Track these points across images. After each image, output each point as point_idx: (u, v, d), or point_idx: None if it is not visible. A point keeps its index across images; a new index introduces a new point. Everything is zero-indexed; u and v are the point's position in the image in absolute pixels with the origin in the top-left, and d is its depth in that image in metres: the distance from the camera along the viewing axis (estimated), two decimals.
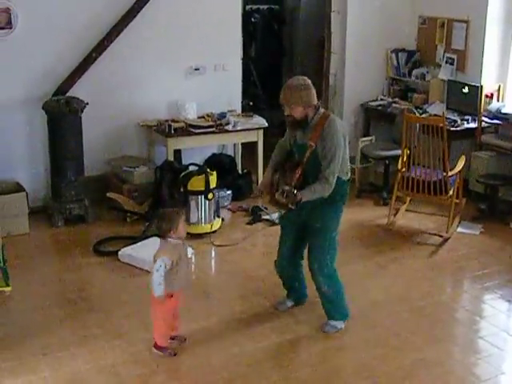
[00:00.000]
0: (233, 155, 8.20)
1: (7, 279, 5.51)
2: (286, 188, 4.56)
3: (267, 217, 7.07)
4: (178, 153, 7.49)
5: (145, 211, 7.07)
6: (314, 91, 4.73)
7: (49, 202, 7.11)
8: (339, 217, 4.96)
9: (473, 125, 7.65)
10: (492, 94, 7.78)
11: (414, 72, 8.64)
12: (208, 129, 7.38)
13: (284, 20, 10.95)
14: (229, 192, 7.55)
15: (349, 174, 4.89)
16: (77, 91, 7.05)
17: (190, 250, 6.17)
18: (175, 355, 4.65)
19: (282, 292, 5.40)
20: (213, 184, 6.73)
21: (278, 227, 5.38)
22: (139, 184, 7.20)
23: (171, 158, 7.24)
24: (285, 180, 4.77)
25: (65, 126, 6.77)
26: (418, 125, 6.89)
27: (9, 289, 5.50)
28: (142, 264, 5.97)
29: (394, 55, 8.80)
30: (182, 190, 6.70)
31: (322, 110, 4.77)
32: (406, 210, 7.36)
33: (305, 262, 5.10)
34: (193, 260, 6.19)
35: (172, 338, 4.76)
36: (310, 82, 4.73)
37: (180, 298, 4.69)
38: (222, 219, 7.00)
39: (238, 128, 7.51)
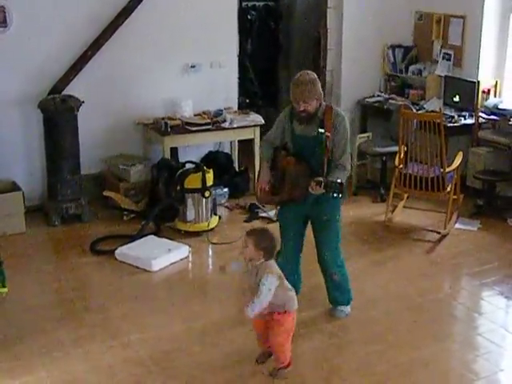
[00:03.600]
0: (229, 153, 8.19)
1: (3, 281, 5.48)
2: (320, 178, 4.59)
3: (264, 214, 7.05)
4: (174, 151, 7.47)
5: (141, 209, 7.05)
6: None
7: (45, 201, 7.09)
8: (340, 207, 5.07)
9: (470, 121, 7.64)
10: (489, 90, 7.77)
11: (411, 68, 8.63)
12: (204, 126, 7.36)
13: (280, 17, 10.91)
14: (226, 189, 7.53)
15: (350, 164, 5.00)
16: (72, 89, 7.03)
17: (186, 248, 6.18)
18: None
19: None
20: (209, 182, 6.71)
21: (275, 225, 5.37)
22: (136, 182, 7.19)
23: (168, 156, 7.22)
24: (295, 173, 4.83)
25: (61, 125, 6.75)
26: (415, 121, 6.89)
27: (5, 290, 5.46)
28: (138, 263, 5.96)
29: (390, 51, 8.79)
30: (178, 187, 6.67)
31: (324, 103, 4.92)
32: (404, 207, 7.35)
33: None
34: (190, 258, 6.18)
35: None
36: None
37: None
38: (219, 217, 6.98)
39: (235, 125, 7.48)
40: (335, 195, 4.57)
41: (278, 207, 5.25)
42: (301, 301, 5.30)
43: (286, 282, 4.27)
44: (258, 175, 5.18)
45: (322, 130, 4.79)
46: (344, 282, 5.18)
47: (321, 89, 4.85)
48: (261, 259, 4.17)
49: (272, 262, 4.22)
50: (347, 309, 5.23)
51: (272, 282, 4.11)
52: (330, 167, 4.84)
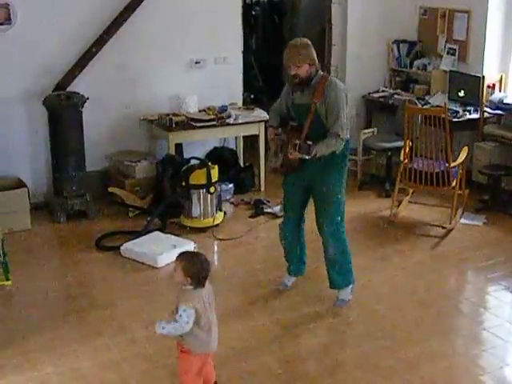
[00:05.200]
0: (234, 148, 8.18)
1: (7, 273, 5.51)
2: (298, 141, 4.66)
3: (269, 210, 7.05)
4: (179, 147, 7.47)
5: (147, 206, 7.06)
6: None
7: (50, 197, 7.10)
8: (343, 179, 5.08)
9: (475, 115, 7.62)
10: (494, 85, 7.74)
11: (416, 63, 8.61)
12: (209, 122, 7.35)
13: (285, 12, 10.91)
14: (231, 185, 7.53)
15: (348, 134, 4.96)
16: (77, 86, 7.03)
17: (191, 244, 6.18)
18: None
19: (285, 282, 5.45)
20: (214, 177, 6.71)
21: (280, 220, 5.39)
22: (141, 178, 7.19)
23: (173, 152, 7.22)
24: (290, 139, 4.86)
25: (65, 121, 6.76)
26: (419, 116, 6.88)
27: (9, 283, 5.49)
28: (144, 259, 5.97)
29: (395, 46, 8.77)
30: (183, 183, 6.67)
31: (321, 72, 4.95)
32: (409, 202, 7.34)
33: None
34: None
35: None
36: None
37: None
38: (225, 213, 6.98)
39: (240, 121, 7.48)
40: (306, 157, 4.66)
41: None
42: (306, 296, 5.36)
43: (204, 322, 3.75)
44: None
45: (314, 100, 4.83)
46: (342, 261, 5.16)
47: (315, 55, 4.86)
48: (187, 286, 3.74)
49: (197, 293, 3.73)
50: (346, 295, 5.22)
51: (190, 315, 3.67)
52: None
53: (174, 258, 3.84)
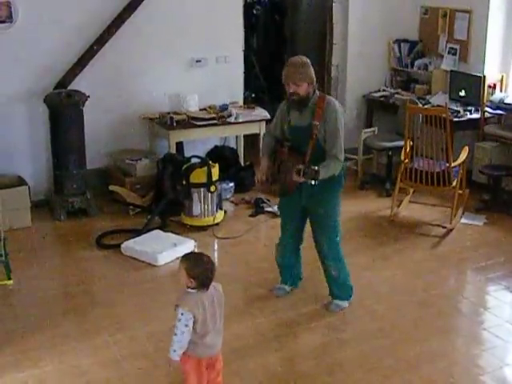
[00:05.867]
0: (235, 147, 8.18)
1: (9, 272, 5.51)
2: (301, 166, 4.58)
3: (270, 209, 7.05)
4: (180, 145, 7.48)
5: (147, 204, 7.06)
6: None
7: (51, 195, 7.10)
8: (340, 200, 5.04)
9: (476, 115, 7.63)
10: (495, 85, 7.75)
11: (417, 62, 8.61)
12: (210, 121, 7.36)
13: (286, 11, 10.91)
14: (231, 184, 7.53)
15: (343, 155, 4.91)
16: (78, 84, 7.04)
17: (192, 243, 6.18)
18: None
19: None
20: (215, 176, 6.72)
21: (277, 241, 5.38)
22: (141, 177, 7.19)
23: (173, 151, 7.23)
24: (288, 163, 4.82)
25: (66, 120, 6.77)
26: (420, 116, 6.89)
27: (10, 282, 5.50)
28: (144, 257, 5.97)
29: (396, 46, 8.77)
30: (184, 182, 6.67)
31: (317, 92, 4.89)
32: (410, 202, 7.34)
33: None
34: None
35: None
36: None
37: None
38: (225, 211, 6.99)
39: (240, 120, 7.48)
40: (312, 183, 4.57)
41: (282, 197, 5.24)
42: (305, 295, 5.36)
43: (199, 327, 3.72)
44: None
45: (315, 122, 4.77)
46: (342, 277, 5.17)
47: (313, 74, 4.80)
48: (191, 288, 3.71)
49: (198, 297, 3.70)
50: (344, 303, 5.21)
51: (188, 319, 3.66)
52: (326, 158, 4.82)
53: (177, 258, 3.81)
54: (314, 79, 4.82)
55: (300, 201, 5.00)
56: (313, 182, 4.58)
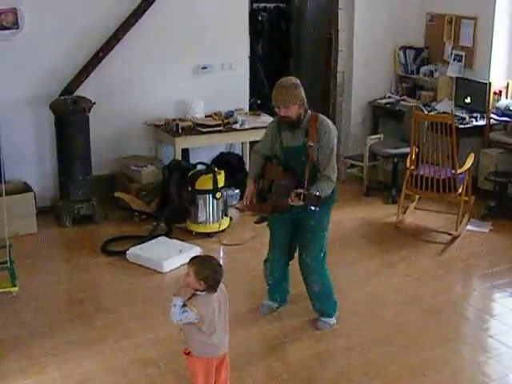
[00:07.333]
0: (241, 154, 8.18)
1: (14, 279, 5.51)
2: (300, 190, 4.43)
3: None
4: (185, 152, 7.48)
5: (153, 210, 7.06)
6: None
7: (57, 201, 7.11)
8: (330, 216, 4.97)
9: (481, 122, 7.63)
10: (500, 91, 7.75)
11: (422, 69, 8.61)
12: (215, 128, 7.36)
13: (291, 18, 10.92)
14: (237, 191, 7.52)
15: (336, 175, 4.84)
16: (84, 91, 7.05)
17: (197, 249, 6.18)
18: None
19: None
20: (221, 183, 6.72)
21: (265, 257, 5.35)
22: (147, 183, 7.20)
23: (179, 157, 7.23)
24: (282, 184, 4.72)
25: (72, 126, 6.78)
26: (426, 122, 6.89)
27: (16, 289, 5.49)
28: (150, 264, 5.98)
29: (401, 52, 8.77)
30: (189, 189, 6.68)
31: (309, 111, 4.80)
32: (415, 208, 7.33)
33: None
34: None
35: None
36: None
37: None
38: (230, 218, 6.99)
39: (246, 127, 7.48)
40: (313, 208, 4.45)
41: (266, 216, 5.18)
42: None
43: (206, 327, 3.75)
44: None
45: (310, 143, 4.68)
46: (326, 293, 5.06)
47: (304, 94, 4.71)
48: (200, 289, 3.72)
49: (207, 299, 3.74)
50: (331, 320, 5.09)
51: (189, 317, 3.68)
52: (317, 178, 4.73)
53: (183, 265, 3.82)
54: (305, 99, 4.72)
55: (290, 216, 4.89)
56: (312, 208, 4.46)
